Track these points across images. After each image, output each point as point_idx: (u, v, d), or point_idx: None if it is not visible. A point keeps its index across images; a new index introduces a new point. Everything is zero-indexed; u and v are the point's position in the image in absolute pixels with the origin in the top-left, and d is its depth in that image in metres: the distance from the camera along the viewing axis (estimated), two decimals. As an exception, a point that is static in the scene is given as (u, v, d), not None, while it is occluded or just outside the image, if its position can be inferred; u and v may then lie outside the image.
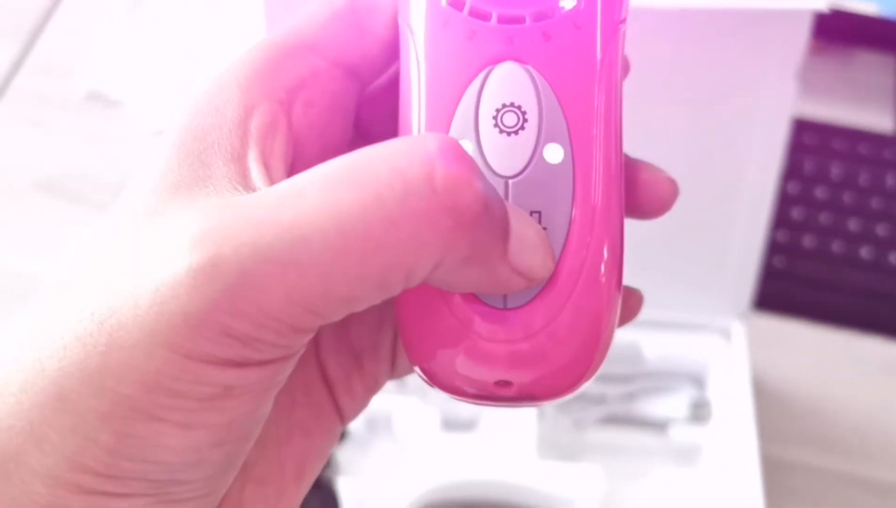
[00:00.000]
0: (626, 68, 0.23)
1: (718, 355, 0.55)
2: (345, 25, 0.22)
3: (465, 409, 0.56)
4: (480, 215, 0.18)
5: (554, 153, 0.21)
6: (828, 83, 0.75)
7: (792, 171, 0.68)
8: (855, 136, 0.70)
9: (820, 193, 0.67)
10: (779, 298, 0.63)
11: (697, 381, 0.56)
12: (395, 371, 0.25)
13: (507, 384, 0.21)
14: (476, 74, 0.20)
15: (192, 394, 0.18)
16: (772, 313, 0.63)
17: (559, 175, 0.21)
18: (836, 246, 0.65)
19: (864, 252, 0.65)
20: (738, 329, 0.55)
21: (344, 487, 0.50)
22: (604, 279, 0.21)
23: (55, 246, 0.64)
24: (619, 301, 0.22)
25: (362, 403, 0.24)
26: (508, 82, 0.20)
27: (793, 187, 0.67)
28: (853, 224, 0.66)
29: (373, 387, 0.25)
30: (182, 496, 0.19)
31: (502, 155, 0.20)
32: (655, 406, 0.56)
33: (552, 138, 0.21)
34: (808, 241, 0.65)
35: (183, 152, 0.20)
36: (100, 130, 0.70)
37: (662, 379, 0.56)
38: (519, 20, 0.20)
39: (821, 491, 0.56)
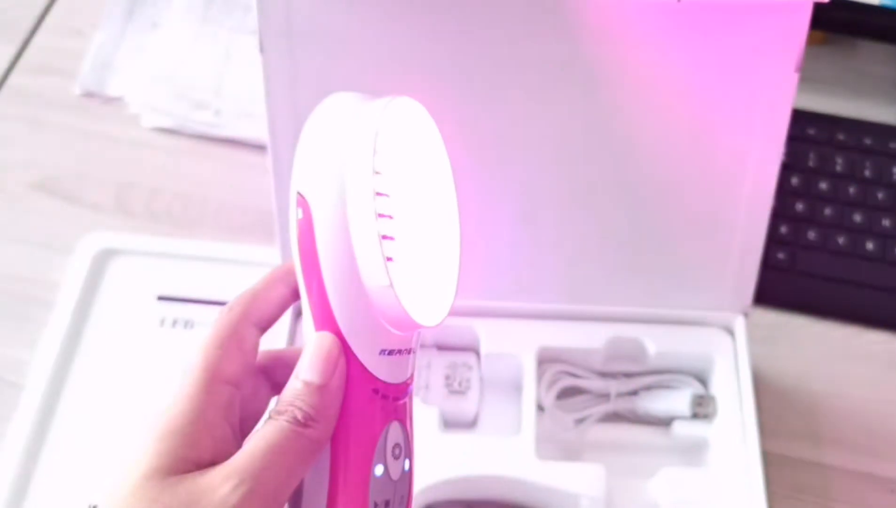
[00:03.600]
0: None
1: (722, 351, 0.55)
2: (231, 348, 0.35)
3: (464, 409, 0.55)
4: None
5: (406, 464, 0.36)
6: (832, 75, 0.74)
7: (795, 164, 0.67)
8: (859, 127, 0.69)
9: (824, 185, 0.66)
10: (783, 292, 0.63)
11: (701, 377, 0.56)
12: None
13: None
14: (382, 429, 0.34)
15: None
16: (776, 307, 0.63)
17: (408, 476, 0.36)
18: (841, 239, 0.64)
19: (869, 245, 0.64)
20: (741, 325, 0.55)
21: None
22: None
23: (52, 246, 0.64)
24: None
25: None
26: (396, 431, 0.35)
27: (797, 180, 0.66)
28: (858, 217, 0.65)
29: None
30: None
31: (393, 470, 0.35)
32: (659, 403, 0.55)
33: (407, 456, 0.36)
34: (811, 234, 0.64)
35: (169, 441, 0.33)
36: (96, 128, 0.70)
37: (666, 376, 0.56)
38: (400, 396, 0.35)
39: (826, 488, 0.56)
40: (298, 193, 0.34)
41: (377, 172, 0.32)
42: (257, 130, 0.67)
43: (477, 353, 0.56)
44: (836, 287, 0.63)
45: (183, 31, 0.74)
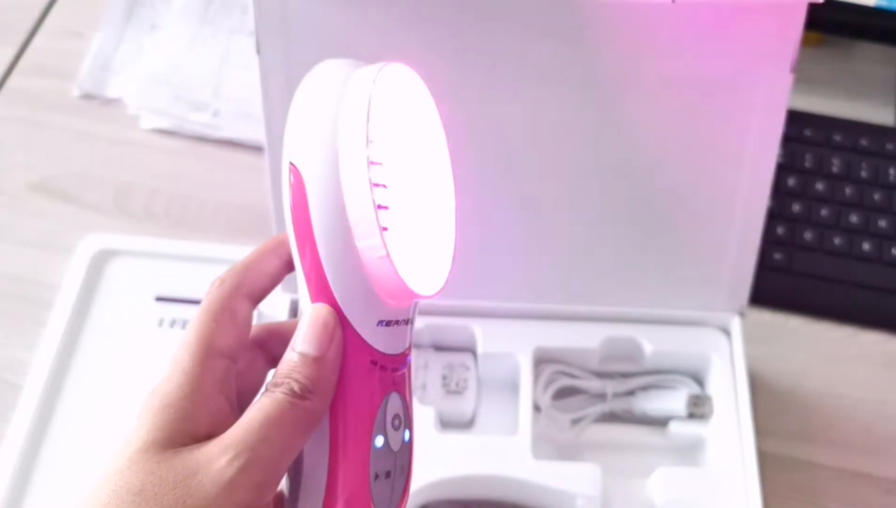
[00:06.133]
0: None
1: (718, 351, 0.55)
2: (225, 321, 0.35)
3: (462, 409, 0.55)
4: None
5: (406, 435, 0.35)
6: (829, 76, 0.74)
7: (792, 164, 0.67)
8: (856, 128, 0.69)
9: (821, 186, 0.67)
10: (780, 293, 0.63)
11: (697, 377, 0.56)
12: None
13: None
14: (381, 400, 0.34)
15: None
16: (773, 308, 0.63)
17: (409, 446, 0.36)
18: (837, 240, 0.64)
19: (866, 246, 0.64)
20: (738, 325, 0.55)
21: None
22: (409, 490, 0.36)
23: (51, 247, 0.64)
24: None
25: None
26: (395, 402, 0.35)
27: (793, 181, 0.67)
28: (854, 218, 0.65)
29: None
30: None
31: (393, 441, 0.35)
32: (655, 403, 0.55)
33: (407, 427, 0.35)
34: (808, 235, 0.64)
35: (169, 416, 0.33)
36: (95, 130, 0.70)
37: (662, 376, 0.56)
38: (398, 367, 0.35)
39: (822, 488, 0.56)
40: (291, 163, 0.33)
41: (371, 141, 0.32)
42: (255, 131, 0.67)
43: (474, 353, 0.56)
44: (832, 288, 0.63)
45: (181, 32, 0.74)
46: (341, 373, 0.34)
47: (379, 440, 0.34)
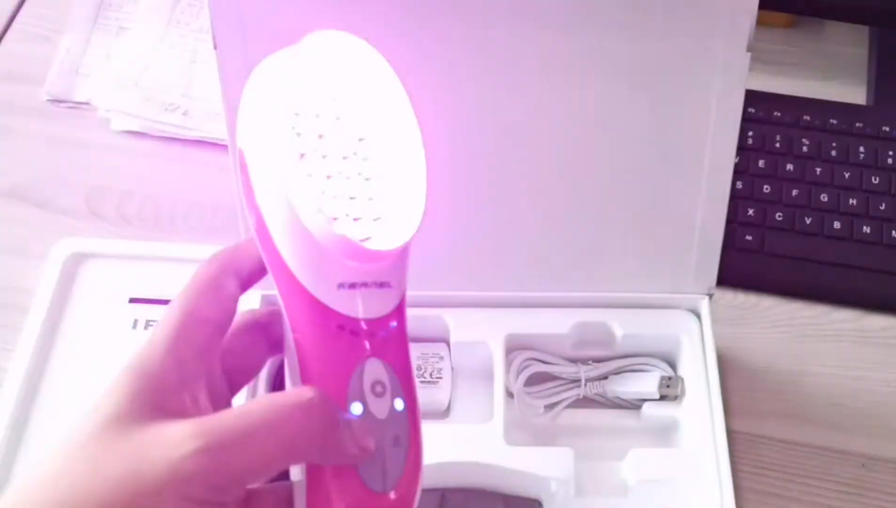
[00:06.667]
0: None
1: (688, 332, 0.55)
2: (208, 293, 0.34)
3: (437, 399, 0.56)
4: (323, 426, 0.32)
5: (399, 404, 0.34)
6: (800, 57, 0.74)
7: (762, 146, 0.68)
8: (825, 108, 0.70)
9: (790, 167, 0.67)
10: (752, 274, 0.63)
11: (669, 359, 0.56)
12: None
13: None
14: (355, 366, 0.34)
15: None
16: (746, 289, 0.63)
17: (403, 416, 0.34)
18: (808, 220, 0.64)
19: (836, 225, 0.64)
20: (706, 306, 0.55)
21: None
22: (421, 468, 0.36)
23: (24, 253, 0.64)
24: None
25: None
26: (374, 368, 0.34)
27: (763, 163, 0.67)
28: (824, 197, 0.65)
29: None
30: None
31: (377, 408, 0.34)
32: (628, 386, 0.55)
33: (398, 395, 0.34)
34: (778, 215, 0.65)
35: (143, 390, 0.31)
36: (65, 134, 0.70)
37: (634, 359, 0.56)
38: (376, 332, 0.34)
39: (797, 465, 0.56)
40: (239, 149, 0.34)
41: (297, 113, 0.32)
42: (226, 130, 0.67)
43: (447, 343, 0.56)
44: (803, 267, 0.63)
45: (149, 34, 0.74)
46: (308, 340, 0.33)
47: (356, 408, 0.33)
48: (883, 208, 0.65)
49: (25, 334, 0.59)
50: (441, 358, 0.56)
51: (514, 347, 0.56)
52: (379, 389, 0.34)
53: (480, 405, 0.55)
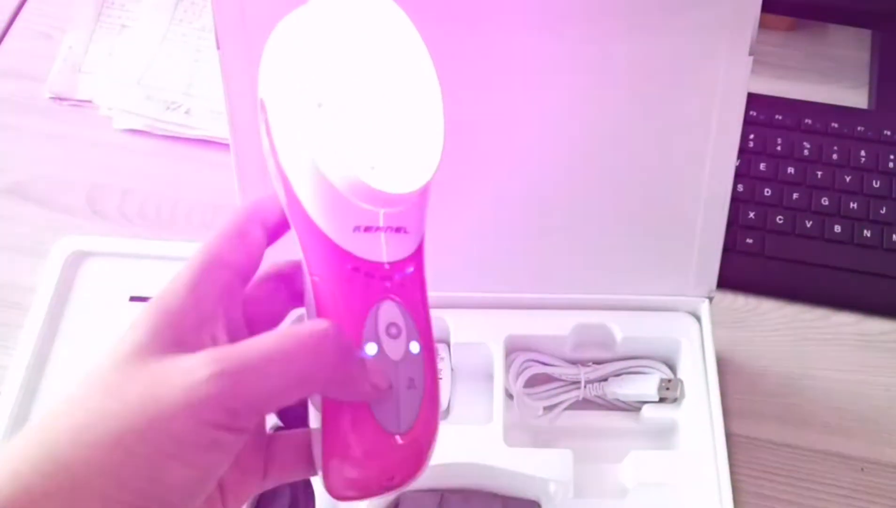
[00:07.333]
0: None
1: (688, 335, 0.55)
2: (234, 239, 0.34)
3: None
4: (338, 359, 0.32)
5: (414, 347, 0.35)
6: (803, 61, 0.75)
7: (763, 149, 0.68)
8: (827, 111, 0.70)
9: (791, 170, 0.67)
10: (752, 277, 0.63)
11: (669, 362, 0.56)
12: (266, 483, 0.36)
13: (391, 480, 0.35)
14: (371, 307, 0.34)
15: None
16: (746, 292, 0.63)
17: (419, 359, 0.35)
18: (809, 223, 0.64)
19: (837, 228, 0.64)
20: (706, 309, 0.55)
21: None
22: (437, 414, 0.36)
23: (25, 250, 0.64)
24: None
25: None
26: (390, 310, 0.34)
27: (764, 166, 0.67)
28: (825, 200, 0.65)
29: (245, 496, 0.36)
30: None
31: (391, 349, 0.34)
32: (628, 388, 0.55)
33: (413, 338, 0.35)
34: (779, 219, 0.65)
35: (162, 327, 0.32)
36: (67, 132, 0.70)
37: (634, 361, 0.56)
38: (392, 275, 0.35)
39: (797, 468, 0.56)
40: (260, 99, 0.35)
41: (317, 62, 0.33)
42: (228, 129, 0.67)
43: (447, 344, 0.56)
44: (804, 270, 0.63)
45: (151, 32, 0.74)
46: (324, 281, 0.34)
47: (371, 348, 0.34)
48: (884, 211, 0.65)
49: (26, 332, 0.59)
50: (441, 359, 0.57)
51: (513, 348, 0.56)
52: (394, 331, 0.34)
53: (480, 407, 0.55)
